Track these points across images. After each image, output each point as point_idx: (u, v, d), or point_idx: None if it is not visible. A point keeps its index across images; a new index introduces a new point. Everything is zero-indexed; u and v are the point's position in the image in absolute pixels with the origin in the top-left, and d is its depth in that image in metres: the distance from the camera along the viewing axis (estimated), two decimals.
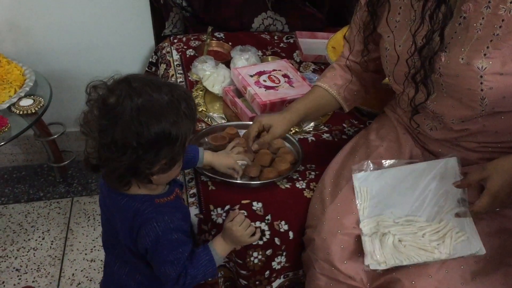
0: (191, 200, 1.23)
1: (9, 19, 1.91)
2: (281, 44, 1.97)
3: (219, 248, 1.04)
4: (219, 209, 1.19)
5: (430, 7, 0.97)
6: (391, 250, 1.03)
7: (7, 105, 1.66)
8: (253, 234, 1.07)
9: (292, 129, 1.49)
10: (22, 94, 1.71)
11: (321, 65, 1.82)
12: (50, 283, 1.72)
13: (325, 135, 1.47)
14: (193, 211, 1.20)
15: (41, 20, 1.93)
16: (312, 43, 1.92)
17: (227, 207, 1.20)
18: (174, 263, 0.97)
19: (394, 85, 1.18)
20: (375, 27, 1.16)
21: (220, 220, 1.17)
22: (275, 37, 2.01)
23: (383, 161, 1.17)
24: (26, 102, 1.68)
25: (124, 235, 1.00)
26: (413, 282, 0.97)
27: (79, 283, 1.72)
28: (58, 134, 2.01)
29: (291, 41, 1.98)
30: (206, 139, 1.38)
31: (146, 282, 1.08)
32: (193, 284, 1.02)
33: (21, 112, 1.66)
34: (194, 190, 1.25)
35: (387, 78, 1.23)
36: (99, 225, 1.95)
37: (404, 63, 1.08)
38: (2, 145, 1.57)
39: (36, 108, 1.68)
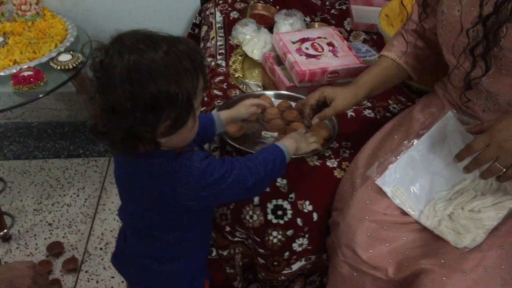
0: None
1: None
2: (332, 10, 1.83)
3: (285, 141, 1.01)
4: None
5: None
6: (471, 223, 0.92)
7: (47, 59, 1.64)
8: None
9: None
10: (62, 49, 1.69)
11: (373, 35, 1.68)
12: (80, 240, 1.73)
13: (367, 111, 1.34)
14: None
15: None
16: (366, 11, 1.77)
17: None
18: (229, 168, 0.90)
19: (447, 56, 1.04)
20: None
21: None
22: (327, 3, 1.87)
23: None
24: (65, 57, 1.65)
25: (151, 198, 0.93)
26: (444, 278, 0.86)
27: (107, 243, 1.72)
28: None
29: (344, 7, 1.84)
30: None
31: (163, 256, 1.03)
32: (272, 174, 0.96)
33: (59, 67, 1.63)
34: (218, 156, 1.18)
35: None
36: None
37: (463, 32, 0.93)
38: (39, 98, 1.56)
39: (74, 64, 1.65)
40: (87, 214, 1.82)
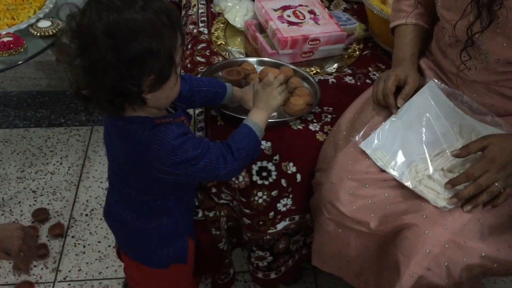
0: (198, 133, 1.19)
1: None
2: None
3: (256, 118, 1.02)
4: None
5: None
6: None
7: (25, 25, 1.63)
8: None
9: (313, 68, 1.41)
10: (41, 16, 1.67)
11: (353, 4, 1.70)
12: (65, 207, 1.75)
13: (348, 78, 1.38)
14: None
15: None
16: None
17: None
18: (204, 152, 0.93)
19: (442, 11, 1.08)
20: None
21: None
22: None
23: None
24: (44, 23, 1.64)
25: (128, 162, 0.97)
26: (426, 232, 0.92)
27: (93, 209, 1.74)
28: None
29: None
30: (220, 73, 1.32)
31: (144, 215, 1.07)
32: (246, 161, 0.99)
33: (38, 34, 1.62)
34: (202, 124, 1.21)
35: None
36: None
37: None
38: (18, 65, 1.55)
39: (54, 31, 1.64)
40: (71, 182, 1.84)
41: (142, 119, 0.92)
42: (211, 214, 1.21)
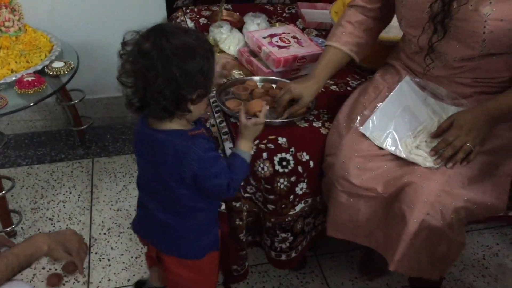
0: (224, 137, 1.43)
1: None
2: (284, 14, 2.17)
3: (244, 146, 1.27)
4: None
5: None
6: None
7: (41, 67, 1.82)
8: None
9: None
10: (53, 58, 1.87)
11: (322, 31, 2.03)
12: (83, 229, 1.89)
13: (333, 87, 1.68)
14: (227, 145, 1.40)
15: None
16: (313, 13, 2.13)
17: (257, 141, 1.39)
18: (221, 174, 1.18)
19: (406, 29, 1.39)
20: None
21: (251, 152, 1.37)
22: (278, 8, 2.22)
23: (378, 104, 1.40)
24: (58, 64, 1.84)
25: (168, 169, 1.17)
26: (422, 186, 1.20)
27: (109, 228, 1.90)
28: (78, 99, 2.17)
29: (293, 11, 2.19)
30: (232, 89, 1.59)
31: (182, 212, 1.26)
32: (238, 187, 1.26)
33: (54, 73, 1.81)
34: (226, 129, 1.45)
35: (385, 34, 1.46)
36: (120, 181, 2.13)
37: (424, 8, 1.27)
38: (41, 100, 1.72)
39: (67, 70, 1.84)
40: (84, 207, 1.99)
41: (179, 132, 1.16)
42: (237, 205, 1.43)
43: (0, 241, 1.33)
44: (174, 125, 1.15)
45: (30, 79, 1.71)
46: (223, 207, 1.42)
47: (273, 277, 1.75)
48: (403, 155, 1.29)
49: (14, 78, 1.74)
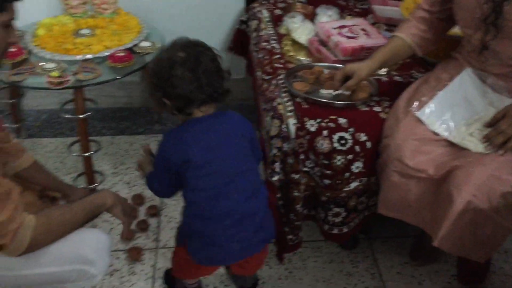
0: (289, 114, 1.55)
1: None
2: (355, 9, 2.27)
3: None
4: (312, 120, 1.51)
5: None
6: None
7: (131, 45, 2.03)
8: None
9: None
10: (142, 38, 2.08)
11: (392, 26, 2.10)
12: None
13: (396, 77, 1.76)
14: (291, 121, 1.52)
15: None
16: (384, 9, 2.20)
17: (319, 119, 1.51)
18: None
19: (464, 29, 1.46)
20: None
21: (313, 128, 1.49)
22: (350, 3, 2.32)
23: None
24: (145, 44, 2.05)
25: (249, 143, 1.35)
26: (472, 169, 1.26)
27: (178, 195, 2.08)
28: None
29: (365, 6, 2.28)
30: (299, 73, 1.72)
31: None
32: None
33: (142, 52, 2.02)
34: (291, 108, 1.58)
35: (452, 29, 1.52)
36: None
37: (476, 9, 1.34)
38: (126, 75, 1.92)
39: (153, 50, 2.04)
40: None
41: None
42: (296, 177, 1.55)
43: (83, 193, 1.54)
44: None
45: (121, 54, 1.92)
46: (275, 178, 1.54)
47: (325, 254, 1.86)
48: (456, 140, 1.36)
49: (107, 54, 1.96)
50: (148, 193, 2.06)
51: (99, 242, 1.36)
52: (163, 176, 1.34)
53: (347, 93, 1.58)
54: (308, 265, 1.81)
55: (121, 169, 2.23)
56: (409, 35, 1.55)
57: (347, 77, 1.55)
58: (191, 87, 1.21)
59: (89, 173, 1.99)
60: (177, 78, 1.20)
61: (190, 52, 1.23)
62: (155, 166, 1.37)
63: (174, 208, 2.02)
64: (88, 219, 1.33)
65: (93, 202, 1.36)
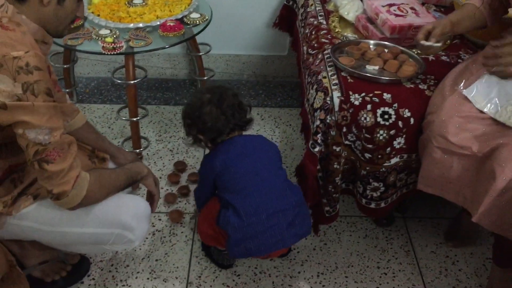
0: (334, 87, 1.58)
1: None
2: None
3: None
4: (356, 94, 1.53)
5: None
6: None
7: (181, 16, 2.09)
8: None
9: (414, 50, 1.78)
10: (191, 10, 2.13)
11: (440, 7, 2.08)
12: (197, 162, 2.16)
13: (444, 57, 1.75)
14: (336, 94, 1.55)
15: None
16: None
17: (363, 93, 1.53)
18: None
19: None
20: None
21: (357, 102, 1.52)
22: None
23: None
24: (195, 15, 2.10)
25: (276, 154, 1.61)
26: None
27: None
28: (205, 52, 2.43)
29: None
30: (346, 49, 1.73)
31: None
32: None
33: (191, 23, 2.07)
34: (336, 81, 1.60)
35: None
36: None
37: None
38: (176, 44, 1.98)
39: (202, 21, 2.09)
40: None
41: None
42: (337, 149, 1.58)
43: (132, 158, 1.63)
44: None
45: (172, 24, 1.98)
46: (316, 149, 1.57)
47: (360, 229, 1.89)
48: (502, 119, 1.35)
49: (158, 23, 2.02)
50: (190, 160, 2.15)
51: (139, 209, 1.44)
52: (207, 185, 1.57)
53: (437, 44, 1.60)
54: (342, 238, 1.85)
55: (165, 137, 2.30)
56: (480, 1, 1.57)
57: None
58: (219, 120, 1.48)
59: (136, 138, 2.07)
60: (206, 114, 1.48)
61: (214, 92, 1.52)
62: (201, 181, 1.64)
63: None
64: (128, 184, 1.43)
65: (132, 169, 1.46)
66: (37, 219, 1.35)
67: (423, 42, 1.59)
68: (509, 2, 1.52)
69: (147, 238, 1.80)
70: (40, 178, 1.17)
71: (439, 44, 1.60)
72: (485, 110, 1.39)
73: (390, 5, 1.90)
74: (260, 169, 1.49)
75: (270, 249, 1.45)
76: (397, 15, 1.83)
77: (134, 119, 2.02)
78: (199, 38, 2.41)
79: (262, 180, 1.47)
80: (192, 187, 2.03)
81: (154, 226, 1.86)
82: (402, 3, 1.92)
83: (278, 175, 1.53)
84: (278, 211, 1.44)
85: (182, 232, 1.85)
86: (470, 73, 1.49)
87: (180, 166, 2.11)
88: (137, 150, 2.10)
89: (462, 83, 1.45)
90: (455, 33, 1.60)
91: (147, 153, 2.19)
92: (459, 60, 1.74)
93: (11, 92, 1.04)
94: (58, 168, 1.14)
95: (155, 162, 2.15)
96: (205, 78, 2.56)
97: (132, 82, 1.96)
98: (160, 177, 2.06)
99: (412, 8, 1.89)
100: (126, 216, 1.40)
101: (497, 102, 1.40)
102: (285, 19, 2.42)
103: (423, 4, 2.09)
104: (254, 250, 1.44)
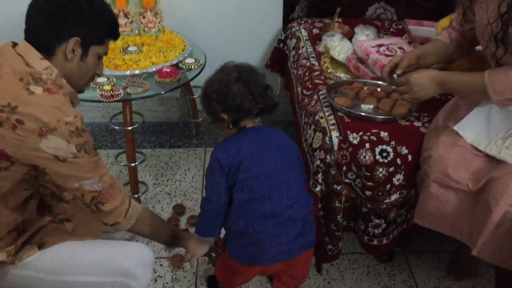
0: (332, 127, 1.61)
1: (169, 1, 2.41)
2: (391, 29, 2.34)
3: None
4: (354, 133, 1.57)
5: None
6: None
7: (176, 61, 2.13)
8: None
9: None
10: (186, 55, 2.18)
11: None
12: (195, 204, 2.16)
13: (436, 96, 1.81)
14: (334, 133, 1.58)
15: (192, 1, 2.43)
16: (419, 29, 2.27)
17: (361, 133, 1.57)
18: None
19: (481, 46, 1.52)
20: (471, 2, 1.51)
21: (355, 141, 1.55)
22: (386, 24, 2.39)
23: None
24: (190, 60, 2.15)
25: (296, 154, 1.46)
26: (508, 180, 1.30)
27: None
28: (199, 94, 2.46)
29: (400, 27, 2.35)
30: (340, 89, 1.78)
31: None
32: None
33: (186, 68, 2.12)
34: (333, 121, 1.64)
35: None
36: None
37: (486, 27, 1.40)
38: (173, 89, 2.02)
39: (197, 66, 2.14)
40: (196, 187, 2.26)
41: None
42: (338, 188, 1.60)
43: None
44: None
45: (168, 70, 2.02)
46: (317, 188, 1.59)
47: (362, 266, 1.89)
48: (493, 153, 1.40)
49: (154, 69, 2.06)
50: (188, 203, 2.15)
51: (143, 257, 1.42)
52: (218, 181, 1.37)
53: (398, 77, 1.65)
54: (345, 276, 1.85)
55: (162, 180, 2.31)
56: (448, 38, 1.65)
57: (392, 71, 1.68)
58: (248, 99, 1.35)
59: (134, 183, 2.08)
60: (234, 92, 1.34)
61: (242, 70, 1.38)
62: (210, 176, 1.40)
63: None
64: (168, 242, 1.54)
65: (181, 235, 1.55)
66: (39, 268, 1.33)
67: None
68: (476, 41, 1.59)
69: (149, 285, 1.78)
70: (96, 215, 1.30)
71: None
72: (475, 144, 1.44)
73: (379, 45, 1.97)
74: (277, 172, 1.37)
75: (274, 259, 1.39)
76: (386, 55, 1.90)
77: (133, 164, 2.03)
78: (192, 81, 2.47)
79: (278, 184, 1.37)
80: (192, 230, 2.02)
81: (155, 272, 1.84)
82: (391, 43, 1.99)
83: (296, 180, 1.41)
84: (287, 219, 1.37)
85: (184, 277, 1.83)
86: (460, 109, 1.54)
87: (178, 209, 2.11)
88: (136, 195, 2.10)
89: (453, 119, 1.51)
90: (421, 66, 1.66)
91: (145, 198, 2.19)
92: (449, 97, 1.79)
93: (67, 151, 1.14)
94: (112, 207, 1.28)
95: (153, 206, 2.15)
96: (199, 120, 2.60)
97: (129, 128, 1.98)
98: None
99: (400, 48, 1.96)
100: (129, 263, 1.39)
101: (487, 136, 1.45)
102: (277, 61, 2.49)
103: (410, 43, 2.17)
104: (258, 258, 1.39)
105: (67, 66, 1.23)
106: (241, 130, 1.40)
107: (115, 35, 1.31)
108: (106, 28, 1.27)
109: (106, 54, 1.31)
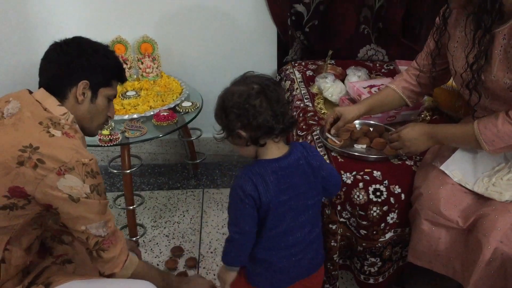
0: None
1: (166, 45, 2.49)
2: (383, 70, 2.40)
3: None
4: (348, 173, 1.60)
5: (478, 35, 1.35)
6: (508, 186, 1.40)
7: (173, 105, 2.19)
8: None
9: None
10: (183, 98, 2.24)
11: None
12: (193, 246, 2.17)
13: None
14: None
15: (189, 46, 2.51)
16: None
17: (354, 172, 1.60)
18: None
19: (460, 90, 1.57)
20: (439, 50, 1.58)
21: (349, 181, 1.58)
22: (377, 65, 2.45)
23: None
24: (187, 104, 2.20)
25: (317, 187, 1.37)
26: (496, 217, 1.32)
27: (216, 248, 2.15)
28: (196, 136, 2.52)
29: (391, 67, 2.41)
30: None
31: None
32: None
33: (183, 111, 2.17)
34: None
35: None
36: (226, 210, 2.40)
37: (459, 75, 1.47)
38: (171, 132, 2.07)
39: (193, 109, 2.19)
40: (195, 229, 2.27)
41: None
42: (333, 227, 1.62)
43: (131, 247, 1.64)
44: None
45: (165, 113, 2.07)
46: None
47: None
48: (480, 191, 1.43)
49: (152, 113, 2.11)
50: (186, 245, 2.15)
51: None
52: (251, 213, 1.28)
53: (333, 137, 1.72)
54: None
55: (160, 222, 2.32)
56: (399, 87, 1.72)
57: (336, 120, 1.72)
58: (269, 116, 1.22)
59: (133, 225, 2.09)
60: (255, 108, 1.20)
61: (263, 83, 1.25)
62: (241, 207, 1.28)
63: (211, 260, 2.09)
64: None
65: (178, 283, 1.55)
66: None
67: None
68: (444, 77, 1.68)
69: None
70: (94, 262, 1.30)
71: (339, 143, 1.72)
72: (463, 183, 1.47)
73: (371, 86, 2.02)
74: (297, 202, 1.31)
75: (293, 280, 1.42)
76: None
77: (131, 207, 2.05)
78: (190, 124, 2.52)
79: (300, 214, 1.33)
80: (190, 273, 2.02)
81: None
82: (382, 84, 2.05)
83: (316, 204, 1.37)
84: (308, 244, 1.37)
85: None
86: (446, 149, 1.58)
87: (177, 252, 2.11)
88: (134, 238, 2.11)
89: (438, 159, 1.54)
90: (372, 114, 1.74)
91: (143, 240, 2.20)
92: None
93: (81, 190, 1.19)
94: (112, 255, 1.28)
95: (151, 249, 2.15)
96: (197, 161, 2.63)
97: (128, 171, 2.01)
98: (158, 264, 2.05)
99: None
100: None
101: (473, 174, 1.48)
102: None
103: None
104: (278, 284, 1.41)
105: (79, 108, 1.30)
106: (265, 160, 1.29)
107: (122, 78, 1.39)
108: (112, 71, 1.35)
109: (115, 96, 1.38)
